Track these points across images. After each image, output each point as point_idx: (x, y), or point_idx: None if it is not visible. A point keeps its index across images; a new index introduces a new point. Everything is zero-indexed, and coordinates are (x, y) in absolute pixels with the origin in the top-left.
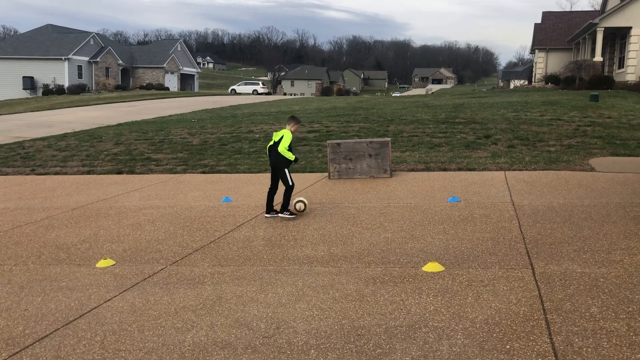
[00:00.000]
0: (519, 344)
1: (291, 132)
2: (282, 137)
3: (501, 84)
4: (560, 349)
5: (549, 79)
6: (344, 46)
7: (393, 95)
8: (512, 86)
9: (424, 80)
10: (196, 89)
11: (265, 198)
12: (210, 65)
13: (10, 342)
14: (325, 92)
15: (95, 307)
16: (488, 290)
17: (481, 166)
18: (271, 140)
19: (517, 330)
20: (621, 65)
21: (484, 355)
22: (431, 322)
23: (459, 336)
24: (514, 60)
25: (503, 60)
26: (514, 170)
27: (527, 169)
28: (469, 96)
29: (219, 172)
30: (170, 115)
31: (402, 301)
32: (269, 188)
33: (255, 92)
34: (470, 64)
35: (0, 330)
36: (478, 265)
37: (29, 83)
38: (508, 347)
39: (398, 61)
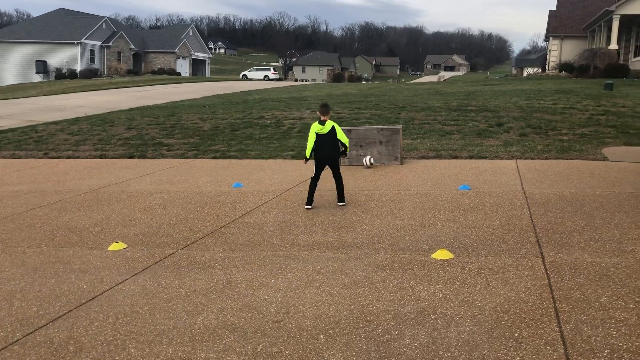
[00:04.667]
0: (527, 332)
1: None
2: (333, 128)
3: (514, 71)
4: (569, 338)
5: (563, 67)
6: (356, 32)
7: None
8: (525, 74)
9: (437, 67)
10: (207, 74)
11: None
12: (222, 50)
13: (24, 322)
14: (336, 78)
15: (107, 290)
16: (497, 278)
17: (493, 154)
18: (310, 132)
19: (526, 319)
20: (637, 53)
21: (492, 342)
22: (440, 309)
23: (467, 323)
24: (528, 47)
25: (517, 48)
26: (525, 158)
27: (539, 158)
28: (482, 83)
29: (229, 157)
30: (182, 101)
31: (411, 288)
32: (313, 178)
33: (266, 78)
34: (483, 51)
35: (15, 310)
36: (488, 254)
37: (42, 67)
38: (517, 334)
39: (410, 48)
